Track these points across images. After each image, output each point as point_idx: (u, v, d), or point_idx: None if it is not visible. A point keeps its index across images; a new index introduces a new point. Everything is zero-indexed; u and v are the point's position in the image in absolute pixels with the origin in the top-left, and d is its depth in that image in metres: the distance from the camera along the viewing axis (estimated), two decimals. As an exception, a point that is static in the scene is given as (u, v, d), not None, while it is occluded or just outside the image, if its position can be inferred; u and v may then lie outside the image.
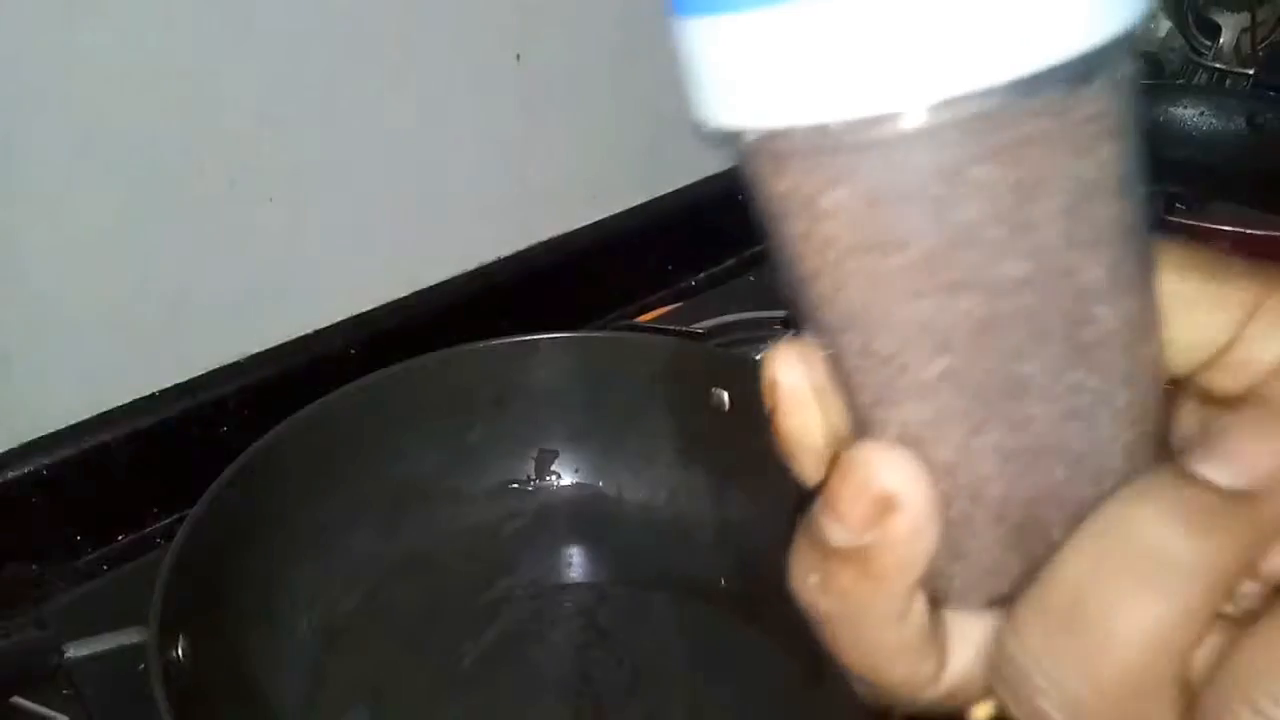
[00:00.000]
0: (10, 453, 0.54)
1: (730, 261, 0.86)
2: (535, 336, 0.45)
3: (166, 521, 0.59)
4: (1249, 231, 0.57)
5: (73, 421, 0.56)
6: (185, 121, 0.54)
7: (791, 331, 0.18)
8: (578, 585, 0.45)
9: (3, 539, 0.53)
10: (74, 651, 0.29)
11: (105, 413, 0.56)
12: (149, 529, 0.59)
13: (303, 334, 0.62)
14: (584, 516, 0.47)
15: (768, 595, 0.42)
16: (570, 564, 0.46)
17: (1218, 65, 1.02)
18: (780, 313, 0.48)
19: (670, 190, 0.81)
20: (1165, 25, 1.12)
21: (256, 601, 0.38)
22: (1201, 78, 1.03)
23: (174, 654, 0.30)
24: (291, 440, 0.40)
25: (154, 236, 0.55)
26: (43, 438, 0.55)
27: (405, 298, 0.66)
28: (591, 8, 0.70)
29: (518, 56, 0.67)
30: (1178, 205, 0.64)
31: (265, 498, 0.39)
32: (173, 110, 0.53)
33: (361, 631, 0.41)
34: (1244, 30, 1.02)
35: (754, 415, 0.44)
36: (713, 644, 0.43)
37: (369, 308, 0.65)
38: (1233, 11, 1.04)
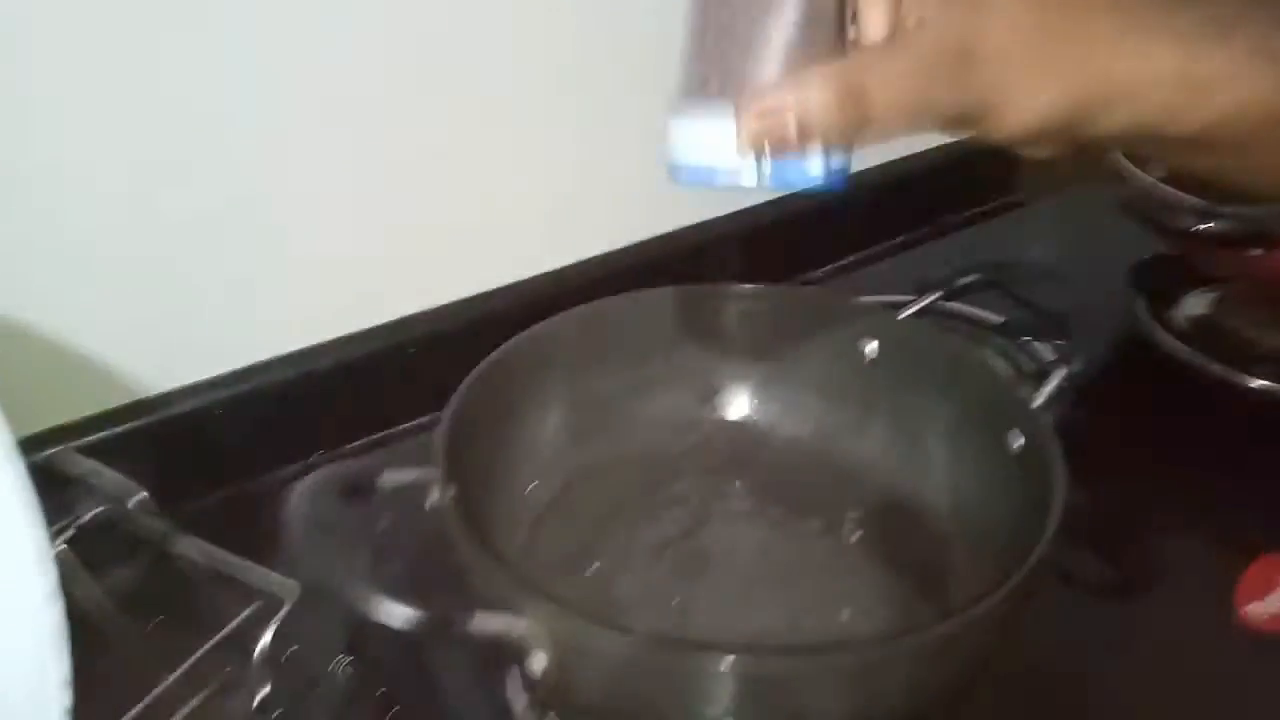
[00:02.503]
0: (245, 370, 0.64)
1: (850, 257, 0.94)
2: (711, 285, 0.54)
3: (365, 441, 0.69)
4: None
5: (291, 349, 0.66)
6: (411, 100, 0.63)
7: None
8: (731, 498, 0.53)
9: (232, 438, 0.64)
10: (385, 479, 0.38)
11: (319, 344, 0.67)
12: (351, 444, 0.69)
13: (484, 290, 0.72)
14: (739, 443, 0.56)
15: (894, 523, 0.50)
16: (725, 480, 0.54)
17: None
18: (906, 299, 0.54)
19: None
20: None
21: (489, 477, 0.47)
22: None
23: (450, 494, 0.39)
24: (513, 355, 0.49)
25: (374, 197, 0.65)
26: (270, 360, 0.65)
27: (562, 268, 0.75)
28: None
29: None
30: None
31: (495, 397, 0.48)
32: (400, 90, 0.62)
33: (562, 513, 0.51)
34: None
35: (895, 366, 0.52)
36: (835, 561, 0.50)
37: (530, 275, 0.74)
38: None
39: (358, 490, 0.37)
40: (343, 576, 0.30)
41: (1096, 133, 0.34)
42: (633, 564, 0.48)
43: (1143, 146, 0.34)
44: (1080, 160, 0.37)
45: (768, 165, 0.33)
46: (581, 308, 0.52)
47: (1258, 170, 0.35)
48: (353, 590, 0.30)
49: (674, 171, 0.35)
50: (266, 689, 0.48)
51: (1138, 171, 0.69)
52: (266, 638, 0.48)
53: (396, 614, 0.30)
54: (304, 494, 0.34)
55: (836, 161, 0.33)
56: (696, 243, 0.80)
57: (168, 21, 0.53)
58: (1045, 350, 0.53)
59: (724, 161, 0.33)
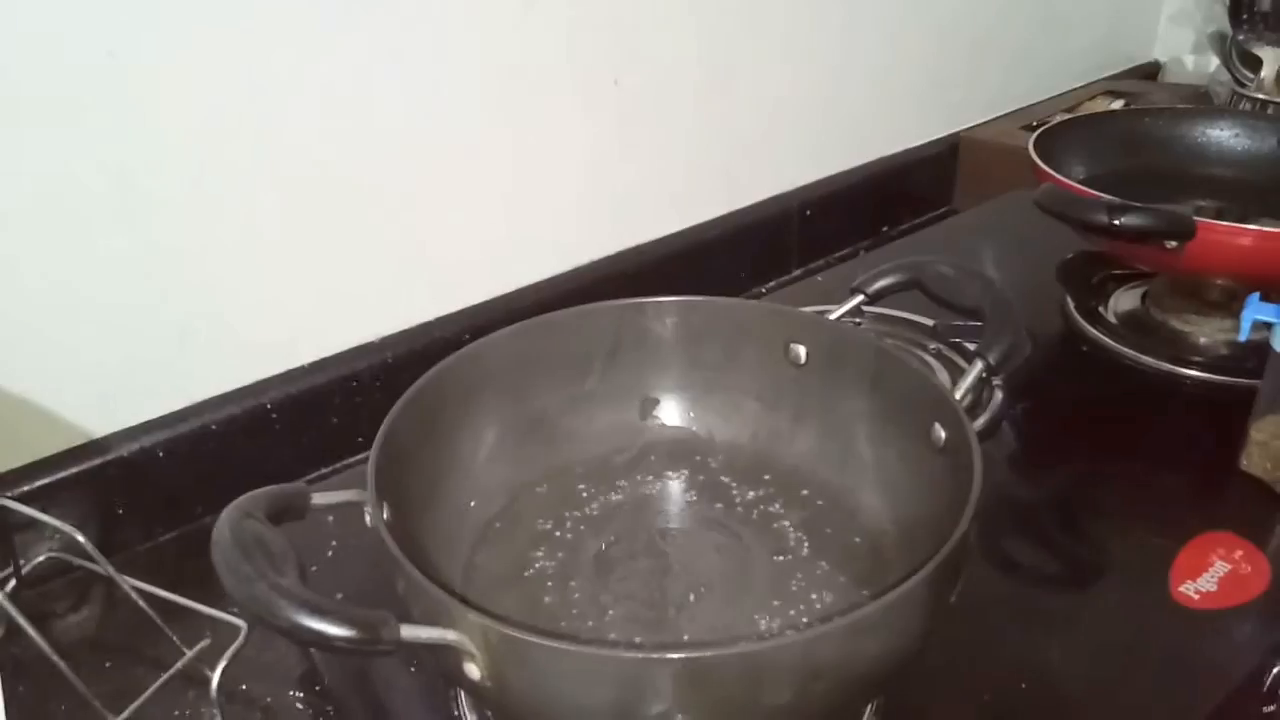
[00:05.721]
0: (186, 410, 0.64)
1: (796, 271, 0.96)
2: (645, 299, 0.55)
3: (312, 476, 0.69)
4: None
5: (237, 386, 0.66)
6: (340, 144, 0.64)
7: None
8: (672, 506, 0.54)
9: (174, 479, 0.64)
10: (316, 500, 0.39)
11: (261, 380, 0.67)
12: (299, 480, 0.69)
13: (425, 320, 0.73)
14: (679, 452, 0.56)
15: (832, 520, 0.51)
16: (667, 489, 0.55)
17: (1260, 95, 1.09)
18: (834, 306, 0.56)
19: (745, 205, 0.90)
20: (1213, 61, 1.20)
21: (427, 496, 0.47)
22: (1246, 107, 1.10)
23: (384, 515, 0.40)
24: (445, 376, 0.49)
25: (308, 238, 0.66)
26: (211, 399, 0.65)
27: (510, 293, 0.76)
28: (679, 42, 0.80)
29: (616, 81, 0.77)
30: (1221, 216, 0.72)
31: (429, 417, 0.48)
32: (330, 135, 0.64)
33: (505, 528, 0.52)
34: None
35: (824, 369, 0.53)
36: (778, 560, 0.50)
37: (481, 300, 0.75)
38: (1274, 46, 1.11)
39: (289, 511, 0.37)
40: (268, 595, 0.31)
41: None
42: (577, 573, 0.49)
43: None
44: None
45: None
46: (514, 326, 0.52)
47: None
48: (277, 608, 0.30)
49: None
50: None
51: (1051, 170, 0.71)
52: (219, 672, 0.48)
53: (319, 630, 0.30)
54: (231, 514, 0.34)
55: None
56: (640, 263, 0.82)
57: (99, 68, 0.54)
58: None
59: None
